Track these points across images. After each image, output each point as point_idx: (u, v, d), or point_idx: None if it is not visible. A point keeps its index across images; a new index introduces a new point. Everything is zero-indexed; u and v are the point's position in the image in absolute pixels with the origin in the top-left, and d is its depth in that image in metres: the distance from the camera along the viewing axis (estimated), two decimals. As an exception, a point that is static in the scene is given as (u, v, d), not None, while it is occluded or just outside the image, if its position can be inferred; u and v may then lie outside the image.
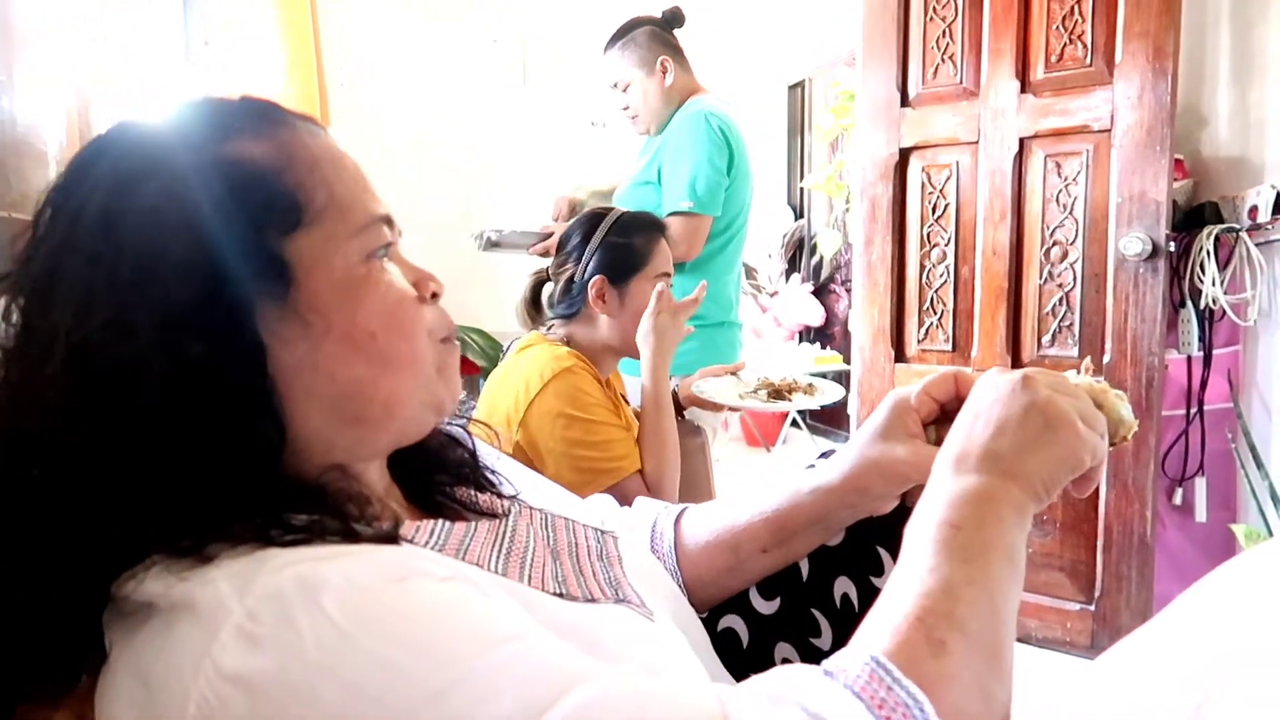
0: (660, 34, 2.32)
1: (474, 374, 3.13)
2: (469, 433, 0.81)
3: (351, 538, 0.53)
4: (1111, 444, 0.70)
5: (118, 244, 0.54)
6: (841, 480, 0.80)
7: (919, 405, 0.77)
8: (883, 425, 0.77)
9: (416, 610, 0.46)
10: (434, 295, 0.68)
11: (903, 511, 0.78)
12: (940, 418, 0.77)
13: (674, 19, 2.36)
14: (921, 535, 0.59)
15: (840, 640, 0.82)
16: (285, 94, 2.25)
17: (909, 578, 0.56)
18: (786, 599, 0.86)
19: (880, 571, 0.86)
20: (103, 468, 0.52)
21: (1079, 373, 0.73)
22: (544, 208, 2.49)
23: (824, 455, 0.90)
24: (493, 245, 2.26)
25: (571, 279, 1.64)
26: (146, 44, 1.64)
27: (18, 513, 0.53)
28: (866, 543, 0.87)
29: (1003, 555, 0.58)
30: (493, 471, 0.79)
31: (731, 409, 1.85)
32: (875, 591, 0.80)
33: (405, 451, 0.69)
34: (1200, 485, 2.32)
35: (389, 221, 0.65)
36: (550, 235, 2.22)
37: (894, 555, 0.80)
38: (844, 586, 0.87)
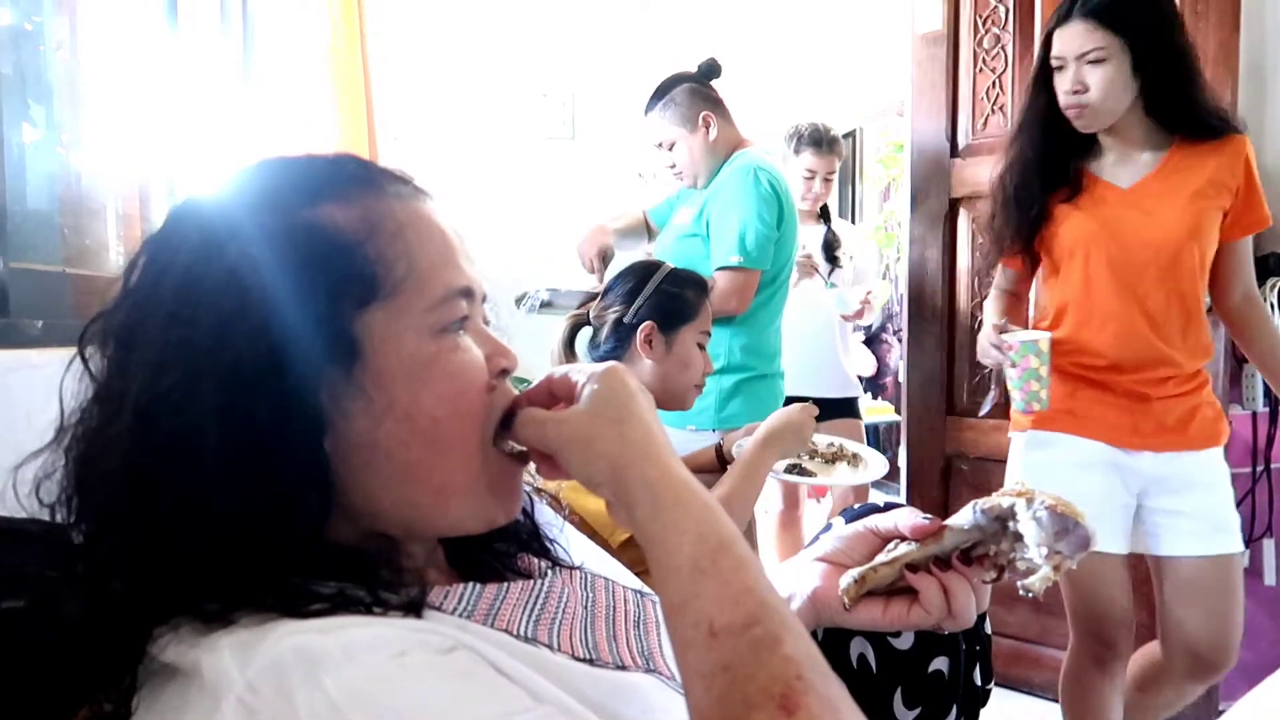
0: (699, 89, 2.29)
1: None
2: (530, 498, 0.78)
3: (375, 608, 0.52)
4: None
5: (195, 306, 0.54)
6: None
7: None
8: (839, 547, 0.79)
9: (414, 687, 0.45)
10: (504, 371, 0.65)
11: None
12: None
13: (710, 71, 2.33)
14: None
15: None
16: (336, 147, 2.30)
17: None
18: None
19: None
20: (150, 529, 0.52)
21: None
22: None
23: (844, 513, 0.92)
24: (545, 306, 2.25)
25: (620, 320, 1.65)
26: (204, 97, 1.70)
27: (69, 563, 0.54)
28: None
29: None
30: (552, 541, 0.77)
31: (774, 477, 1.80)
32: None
33: None
34: (1268, 547, 2.23)
35: (468, 293, 0.63)
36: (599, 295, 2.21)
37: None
38: (859, 646, 0.89)
